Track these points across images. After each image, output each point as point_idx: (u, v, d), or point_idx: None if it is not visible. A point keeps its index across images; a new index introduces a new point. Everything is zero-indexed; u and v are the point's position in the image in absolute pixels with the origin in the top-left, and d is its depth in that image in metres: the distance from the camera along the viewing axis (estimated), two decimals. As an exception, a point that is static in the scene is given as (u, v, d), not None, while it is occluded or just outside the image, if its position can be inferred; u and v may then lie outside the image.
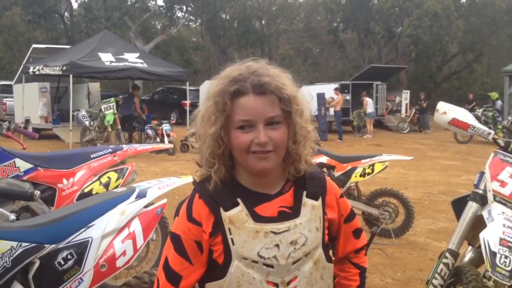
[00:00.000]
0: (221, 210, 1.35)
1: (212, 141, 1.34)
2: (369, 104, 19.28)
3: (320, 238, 1.41)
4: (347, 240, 1.54)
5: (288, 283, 1.36)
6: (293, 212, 1.37)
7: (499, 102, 20.00)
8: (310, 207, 1.39)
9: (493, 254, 2.48)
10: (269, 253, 1.34)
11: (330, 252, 1.52)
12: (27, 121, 16.31)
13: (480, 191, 2.94)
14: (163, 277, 1.40)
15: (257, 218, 1.34)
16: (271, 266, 1.34)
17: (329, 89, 19.05)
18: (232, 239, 1.33)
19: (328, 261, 1.45)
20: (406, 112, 22.33)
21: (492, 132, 3.12)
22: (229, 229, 1.34)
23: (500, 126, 16.81)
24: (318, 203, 1.41)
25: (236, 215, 1.34)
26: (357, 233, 1.56)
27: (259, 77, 1.32)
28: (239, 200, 1.35)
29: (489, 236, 2.56)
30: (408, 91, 23.66)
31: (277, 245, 1.34)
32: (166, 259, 1.41)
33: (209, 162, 1.36)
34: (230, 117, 1.32)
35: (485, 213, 2.80)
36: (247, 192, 1.37)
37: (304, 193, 1.40)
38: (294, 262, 1.36)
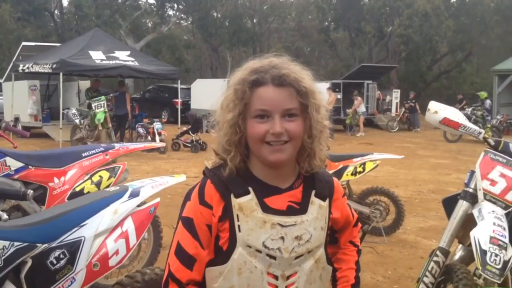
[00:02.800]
0: (232, 196, 1.37)
1: (230, 128, 1.36)
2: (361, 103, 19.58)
3: (324, 238, 1.46)
4: (349, 233, 1.64)
5: (288, 278, 1.39)
6: (301, 208, 1.41)
7: (488, 102, 20.24)
8: (318, 206, 1.43)
9: (484, 252, 2.51)
10: (274, 245, 1.37)
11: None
12: (17, 119, 16.13)
13: (471, 190, 2.97)
14: (176, 263, 1.40)
15: (266, 209, 1.37)
16: (274, 258, 1.37)
17: (320, 88, 19.10)
18: (239, 225, 1.36)
19: (328, 263, 1.50)
20: (396, 111, 22.46)
21: (483, 131, 3.16)
22: (237, 215, 1.36)
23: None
24: (326, 204, 1.46)
25: (246, 203, 1.37)
26: (355, 222, 1.65)
27: (279, 70, 1.36)
28: (250, 188, 1.38)
29: (480, 235, 2.59)
30: (399, 90, 23.77)
31: (282, 238, 1.37)
32: (178, 243, 1.40)
33: (226, 149, 1.39)
34: (248, 105, 1.36)
35: (475, 212, 2.82)
36: (259, 183, 1.40)
37: (313, 192, 1.43)
38: (297, 257, 1.39)
